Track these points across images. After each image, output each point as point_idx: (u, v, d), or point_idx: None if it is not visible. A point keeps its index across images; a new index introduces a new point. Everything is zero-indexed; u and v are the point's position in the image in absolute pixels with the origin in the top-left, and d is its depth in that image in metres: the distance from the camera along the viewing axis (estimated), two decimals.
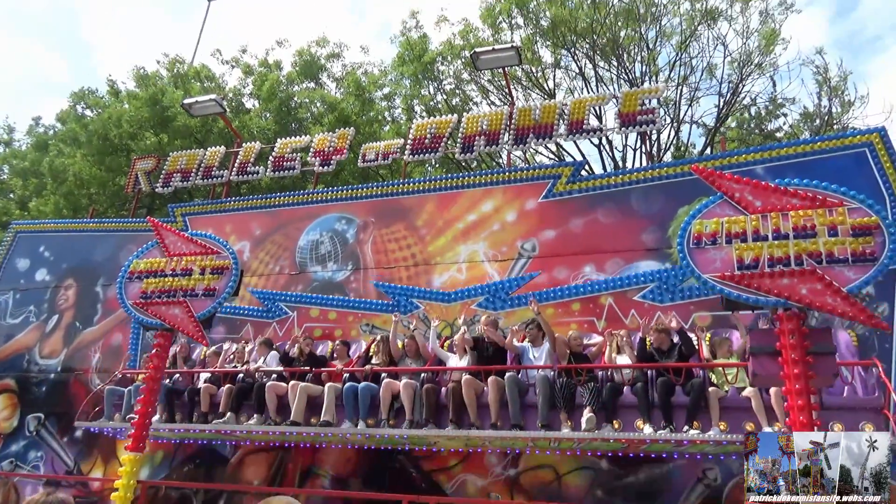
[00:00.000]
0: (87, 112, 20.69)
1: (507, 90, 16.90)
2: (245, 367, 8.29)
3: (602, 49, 17.85)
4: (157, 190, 11.79)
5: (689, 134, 18.33)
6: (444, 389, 7.13)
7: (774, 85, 17.27)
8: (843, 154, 7.76)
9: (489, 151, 10.78)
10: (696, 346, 6.76)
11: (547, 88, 18.91)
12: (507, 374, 6.75)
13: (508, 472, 7.51)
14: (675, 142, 18.19)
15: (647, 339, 6.92)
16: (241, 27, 48.18)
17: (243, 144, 11.70)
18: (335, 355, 8.36)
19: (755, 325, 6.79)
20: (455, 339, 7.61)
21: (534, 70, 18.74)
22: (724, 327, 7.26)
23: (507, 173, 9.30)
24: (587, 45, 17.85)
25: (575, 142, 16.83)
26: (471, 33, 18.68)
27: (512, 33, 18.20)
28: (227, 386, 8.09)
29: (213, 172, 11.51)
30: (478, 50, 9.98)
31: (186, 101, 11.79)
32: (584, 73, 18.48)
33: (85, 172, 17.01)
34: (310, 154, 11.12)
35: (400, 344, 7.76)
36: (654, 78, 17.74)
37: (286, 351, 8.53)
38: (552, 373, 6.72)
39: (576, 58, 18.36)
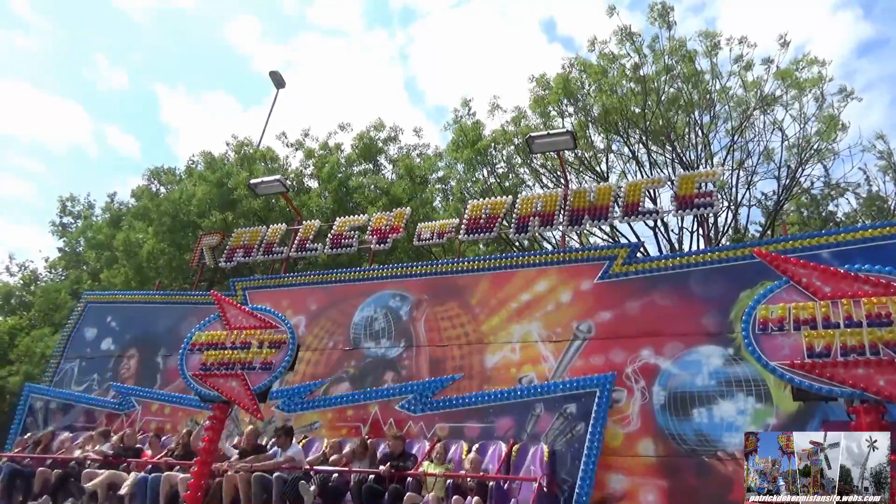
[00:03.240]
0: (161, 188, 21.99)
1: (560, 173, 17.14)
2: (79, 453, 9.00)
3: (654, 134, 18.01)
4: (220, 265, 12.24)
5: (748, 217, 17.93)
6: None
7: (831, 170, 16.99)
8: None
9: (543, 232, 10.82)
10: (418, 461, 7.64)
11: (599, 171, 19.08)
12: (254, 475, 7.50)
13: None
14: (732, 225, 17.88)
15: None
16: (306, 110, 51.05)
17: (303, 222, 12.14)
18: (148, 445, 9.31)
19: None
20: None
21: (586, 154, 18.98)
22: (456, 438, 8.16)
23: (562, 254, 9.30)
24: (639, 131, 18.05)
25: (630, 224, 16.75)
26: (522, 119, 19.17)
27: (563, 120, 18.60)
28: (56, 471, 8.55)
29: (273, 248, 11.94)
30: (533, 134, 10.26)
31: (252, 181, 12.42)
32: (638, 157, 18.62)
33: (155, 248, 17.88)
34: (367, 232, 11.43)
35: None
36: (709, 161, 17.69)
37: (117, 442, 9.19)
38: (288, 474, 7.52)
39: (628, 143, 18.56)
